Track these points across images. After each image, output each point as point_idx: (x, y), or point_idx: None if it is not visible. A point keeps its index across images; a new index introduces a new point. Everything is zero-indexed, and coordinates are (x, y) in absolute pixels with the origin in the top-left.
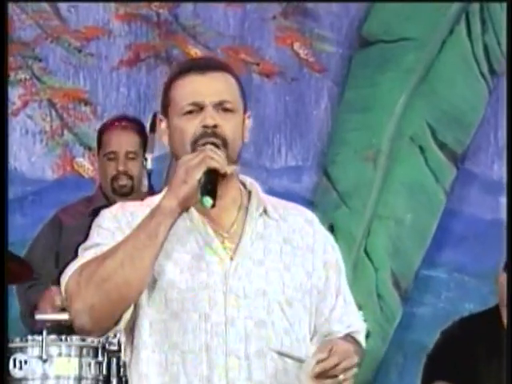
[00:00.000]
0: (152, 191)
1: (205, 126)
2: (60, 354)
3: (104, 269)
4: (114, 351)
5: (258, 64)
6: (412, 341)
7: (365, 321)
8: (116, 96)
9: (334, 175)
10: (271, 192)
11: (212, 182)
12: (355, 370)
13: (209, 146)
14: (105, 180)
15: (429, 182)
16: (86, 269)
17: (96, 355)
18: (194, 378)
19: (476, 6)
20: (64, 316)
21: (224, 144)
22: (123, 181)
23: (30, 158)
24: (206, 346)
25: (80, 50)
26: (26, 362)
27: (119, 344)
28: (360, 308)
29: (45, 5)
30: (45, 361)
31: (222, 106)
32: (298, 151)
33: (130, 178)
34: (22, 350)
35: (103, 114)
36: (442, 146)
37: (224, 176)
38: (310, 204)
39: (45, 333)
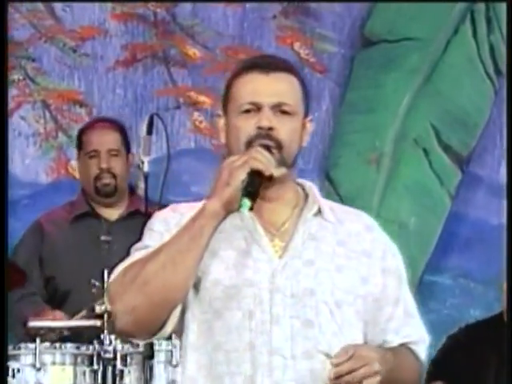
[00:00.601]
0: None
1: (260, 128)
2: (54, 363)
3: (146, 271)
4: (109, 359)
5: None
6: None
7: None
8: (112, 97)
9: (336, 178)
10: None
11: (254, 185)
12: (378, 378)
13: (256, 148)
14: (87, 180)
15: (433, 185)
16: (130, 270)
17: (91, 363)
18: (238, 377)
19: (481, 6)
20: (58, 323)
21: (278, 147)
22: (106, 179)
23: (23, 160)
24: (250, 344)
25: (75, 50)
26: (18, 371)
27: (115, 352)
28: None
29: (39, 4)
30: (38, 369)
31: (279, 108)
32: (299, 154)
33: (114, 176)
34: (15, 357)
35: (99, 115)
36: (447, 148)
37: (270, 179)
38: None
39: (38, 340)
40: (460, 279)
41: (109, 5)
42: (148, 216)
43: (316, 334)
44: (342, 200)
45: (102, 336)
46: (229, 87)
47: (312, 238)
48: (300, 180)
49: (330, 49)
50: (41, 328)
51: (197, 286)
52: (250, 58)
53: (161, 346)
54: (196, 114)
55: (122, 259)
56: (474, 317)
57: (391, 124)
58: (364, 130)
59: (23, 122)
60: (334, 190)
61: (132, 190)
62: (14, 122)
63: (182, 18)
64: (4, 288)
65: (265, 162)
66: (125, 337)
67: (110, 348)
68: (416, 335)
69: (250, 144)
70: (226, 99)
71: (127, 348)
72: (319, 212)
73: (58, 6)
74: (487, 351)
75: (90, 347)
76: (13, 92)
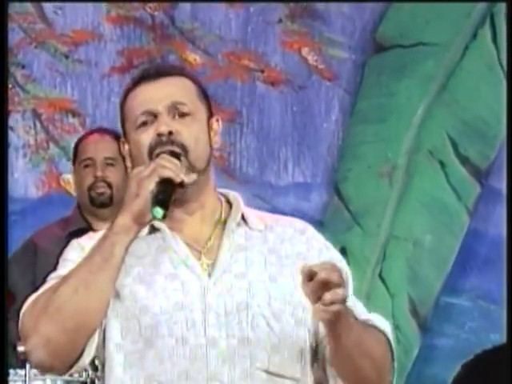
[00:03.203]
0: None
1: (159, 134)
2: None
3: (58, 297)
4: None
5: (262, 71)
6: (432, 375)
7: None
8: (107, 106)
9: (345, 193)
10: (276, 211)
11: (165, 192)
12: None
13: (163, 155)
14: (81, 190)
15: (450, 199)
16: (40, 300)
17: None
18: None
19: (501, 7)
20: None
21: (184, 151)
22: (101, 189)
23: (12, 173)
24: (185, 373)
25: (67, 55)
26: None
27: None
28: None
29: (29, 6)
30: None
31: (177, 111)
32: (306, 166)
33: (109, 185)
34: None
35: (92, 125)
36: (465, 160)
37: (182, 186)
38: (319, 224)
39: (28, 366)
40: (479, 301)
41: (103, 7)
42: None
43: (253, 350)
44: (352, 216)
45: (96, 361)
46: (122, 107)
47: (240, 249)
48: (224, 190)
49: (339, 54)
50: (32, 365)
51: (125, 315)
52: (138, 71)
53: None
54: None
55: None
56: (494, 341)
57: (404, 135)
58: (375, 141)
59: (12, 132)
60: (343, 204)
61: None
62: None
63: (182, 21)
64: (4, 308)
65: (173, 168)
66: (42, 371)
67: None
68: (371, 316)
69: (152, 153)
70: (122, 119)
71: None
72: (244, 221)
73: (49, 8)
74: (508, 381)
75: (84, 373)
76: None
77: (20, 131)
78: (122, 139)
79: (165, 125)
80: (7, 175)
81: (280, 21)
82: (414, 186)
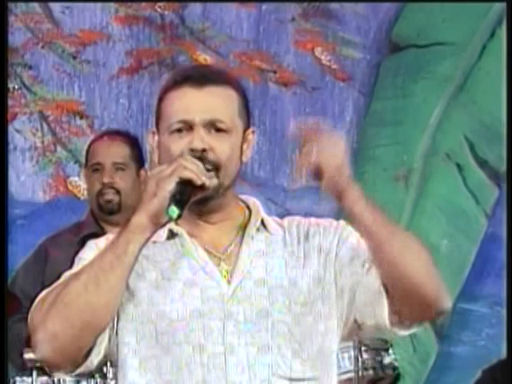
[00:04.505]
0: None
1: (192, 150)
2: None
3: (66, 293)
4: None
5: (274, 72)
6: (449, 383)
7: (396, 360)
8: (115, 108)
9: None
10: (289, 215)
11: (183, 193)
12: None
13: (186, 156)
14: (91, 196)
15: (467, 203)
16: (49, 295)
17: None
18: None
19: None
20: None
21: (216, 169)
22: (109, 195)
23: (18, 177)
24: (203, 381)
25: (75, 56)
26: None
27: None
28: (391, 346)
29: (36, 5)
30: None
31: (214, 126)
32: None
33: (117, 192)
34: None
35: (101, 128)
36: (483, 163)
37: (203, 188)
38: None
39: (35, 374)
40: (497, 307)
41: (112, 7)
42: None
43: (274, 358)
44: None
45: (104, 369)
46: (160, 102)
47: (260, 254)
48: (244, 197)
49: (353, 54)
50: (37, 360)
51: (141, 320)
52: (182, 70)
53: None
54: None
55: None
56: None
57: (421, 137)
58: (391, 143)
59: (18, 135)
60: None
61: None
62: (9, 134)
63: (192, 21)
64: (4, 316)
65: (195, 170)
66: (47, 367)
67: (114, 382)
68: None
69: None
70: (158, 115)
71: None
72: (264, 226)
73: (56, 7)
74: None
75: (92, 381)
76: (8, 102)
77: (27, 133)
78: (153, 129)
79: (199, 141)
80: (7, 178)
81: (293, 19)
82: (431, 190)
